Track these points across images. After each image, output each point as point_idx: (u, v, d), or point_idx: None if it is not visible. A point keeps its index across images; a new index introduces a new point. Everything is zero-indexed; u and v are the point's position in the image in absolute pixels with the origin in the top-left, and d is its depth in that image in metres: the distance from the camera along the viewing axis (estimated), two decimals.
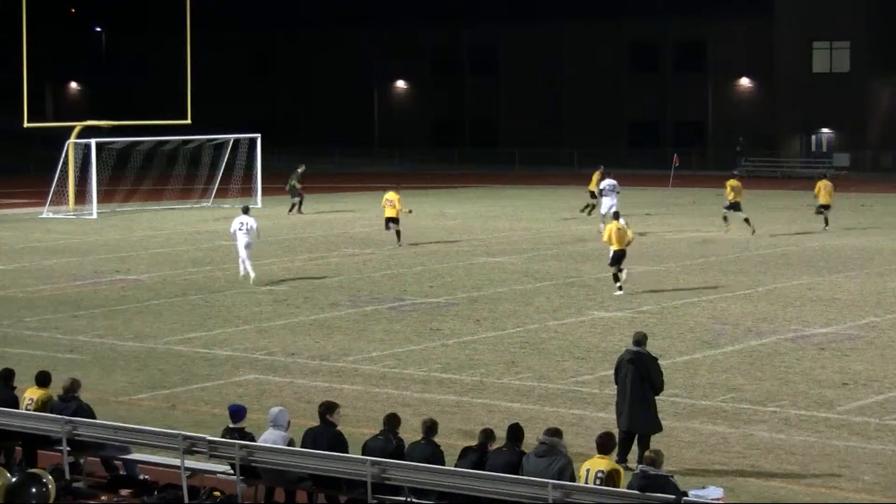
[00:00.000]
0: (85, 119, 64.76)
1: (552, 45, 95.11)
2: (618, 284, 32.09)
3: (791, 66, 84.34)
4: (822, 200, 48.04)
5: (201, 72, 70.23)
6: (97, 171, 54.82)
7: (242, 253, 34.08)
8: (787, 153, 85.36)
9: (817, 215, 48.05)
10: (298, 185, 53.71)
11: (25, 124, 58.49)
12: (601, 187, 46.51)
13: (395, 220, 42.06)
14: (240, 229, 33.97)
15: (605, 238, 33.16)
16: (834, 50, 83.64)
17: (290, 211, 53.50)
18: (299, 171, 54.46)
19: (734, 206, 45.76)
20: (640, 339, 18.31)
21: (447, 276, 35.48)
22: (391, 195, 42.27)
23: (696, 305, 30.60)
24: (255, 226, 34.11)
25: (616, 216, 33.68)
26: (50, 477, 11.92)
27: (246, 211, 34.90)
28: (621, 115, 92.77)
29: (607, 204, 44.40)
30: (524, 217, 52.25)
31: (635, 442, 17.86)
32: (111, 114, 76.25)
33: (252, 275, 33.83)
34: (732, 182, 46.13)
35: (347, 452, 15.63)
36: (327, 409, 15.97)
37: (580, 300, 31.41)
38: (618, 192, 45.58)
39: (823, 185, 48.47)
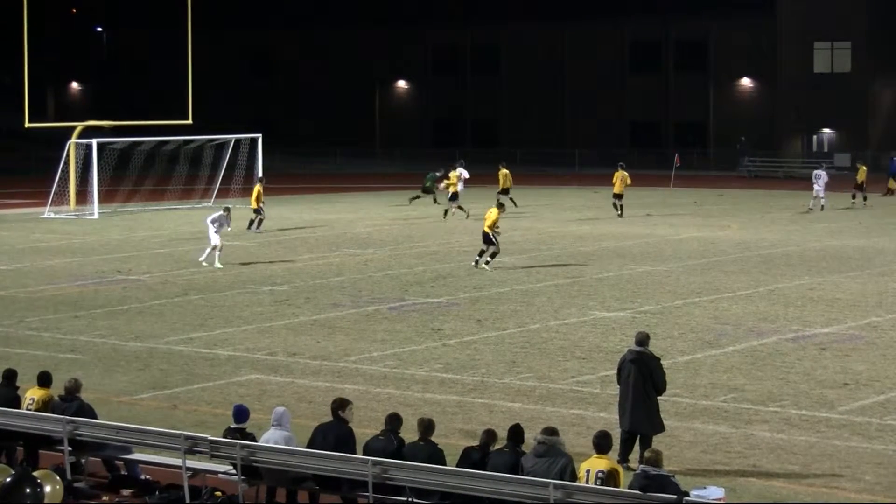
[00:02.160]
0: (86, 119, 64.77)
1: (553, 45, 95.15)
2: (485, 259, 36.63)
3: (792, 66, 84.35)
4: (616, 190, 52.05)
5: (202, 72, 70.28)
6: (98, 171, 54.83)
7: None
8: (789, 153, 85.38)
9: (615, 208, 51.93)
10: (433, 183, 56.79)
11: (26, 124, 58.51)
12: (466, 176, 54.29)
13: (256, 210, 47.29)
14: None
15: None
16: (835, 50, 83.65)
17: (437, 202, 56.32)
18: (437, 174, 57.15)
19: (504, 192, 53.62)
20: (643, 340, 18.31)
21: (448, 276, 35.49)
22: (258, 187, 47.60)
23: (697, 305, 30.60)
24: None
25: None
26: (58, 477, 11.90)
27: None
28: (622, 115, 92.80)
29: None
30: (525, 217, 52.26)
31: (636, 442, 17.87)
32: (112, 114, 76.21)
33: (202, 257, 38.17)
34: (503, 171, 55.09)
35: (355, 449, 15.65)
36: (339, 405, 16.02)
37: (581, 300, 31.41)
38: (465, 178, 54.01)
39: (620, 177, 52.11)
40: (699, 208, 57.15)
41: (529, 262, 38.43)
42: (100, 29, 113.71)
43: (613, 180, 52.50)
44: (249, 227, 47.18)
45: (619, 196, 52.01)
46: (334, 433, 15.74)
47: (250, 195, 48.00)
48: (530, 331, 27.58)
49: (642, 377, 17.93)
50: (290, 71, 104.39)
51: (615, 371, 18.66)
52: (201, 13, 65.08)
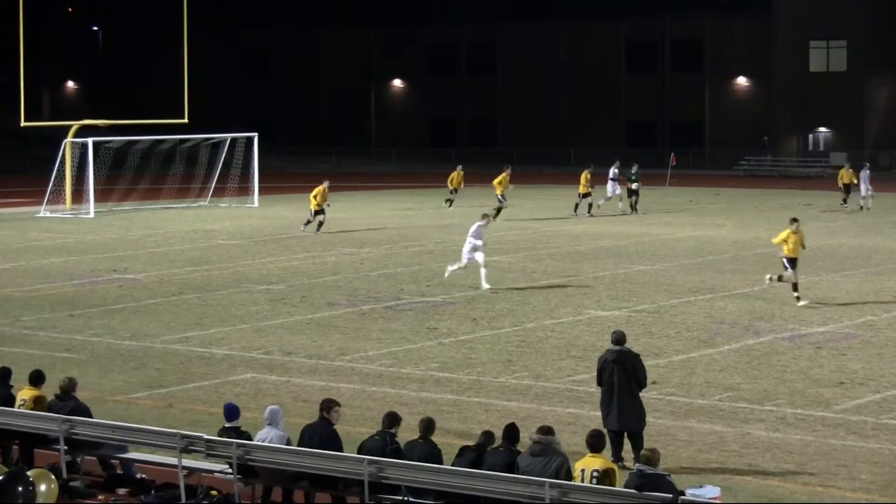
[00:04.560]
0: (82, 118, 64.75)
1: (550, 44, 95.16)
2: (796, 294, 30.74)
3: (788, 65, 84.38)
4: (581, 189, 53.06)
5: (199, 71, 70.26)
6: (94, 170, 54.79)
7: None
8: (785, 152, 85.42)
9: (575, 208, 53.05)
10: (635, 185, 54.18)
11: (22, 123, 58.49)
12: (610, 175, 54.79)
13: (320, 212, 46.58)
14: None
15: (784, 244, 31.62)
16: (831, 49, 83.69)
17: (632, 210, 53.93)
18: (633, 169, 54.40)
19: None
20: (620, 338, 18.40)
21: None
22: (317, 190, 46.70)
23: (693, 304, 30.60)
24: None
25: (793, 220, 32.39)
26: (53, 477, 11.84)
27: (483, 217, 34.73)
28: (619, 114, 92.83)
29: (610, 190, 54.73)
30: (522, 216, 52.27)
31: (625, 440, 17.91)
32: (108, 113, 76.14)
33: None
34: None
35: (340, 449, 15.65)
36: (325, 406, 16.05)
37: (577, 299, 31.40)
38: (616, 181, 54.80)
39: (584, 175, 53.17)
40: (695, 207, 57.14)
41: (526, 261, 38.41)
42: (96, 28, 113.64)
43: (581, 179, 52.88)
44: (318, 229, 45.88)
45: (583, 195, 52.70)
46: (319, 435, 15.77)
47: (310, 194, 46.53)
48: (526, 330, 27.57)
49: (626, 375, 18.00)
50: (286, 70, 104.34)
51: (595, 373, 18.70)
52: (198, 12, 65.05)
